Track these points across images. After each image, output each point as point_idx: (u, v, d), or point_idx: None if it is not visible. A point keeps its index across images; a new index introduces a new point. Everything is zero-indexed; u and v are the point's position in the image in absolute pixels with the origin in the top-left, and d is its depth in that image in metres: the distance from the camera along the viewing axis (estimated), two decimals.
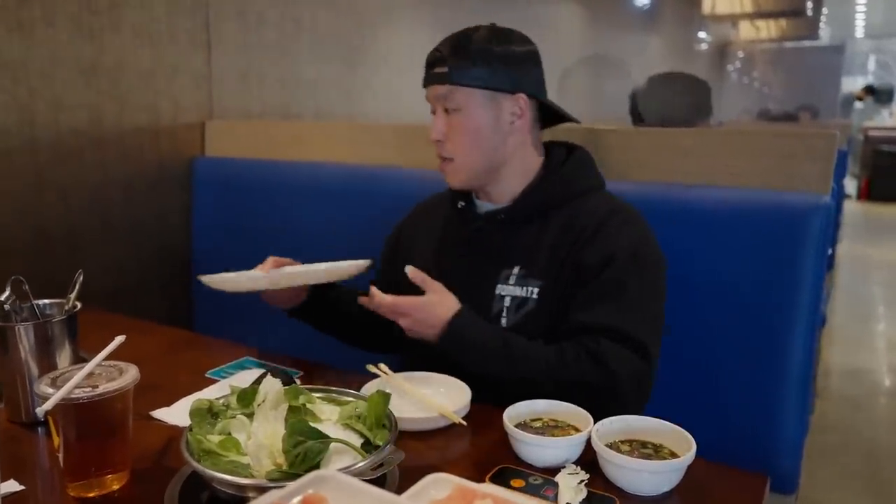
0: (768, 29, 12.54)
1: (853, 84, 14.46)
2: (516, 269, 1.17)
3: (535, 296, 1.14)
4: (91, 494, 0.81)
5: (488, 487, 0.59)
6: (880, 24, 14.70)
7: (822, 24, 12.99)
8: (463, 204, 1.26)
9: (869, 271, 5.68)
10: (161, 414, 1.03)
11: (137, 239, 1.92)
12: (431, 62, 1.18)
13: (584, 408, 0.93)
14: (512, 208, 1.20)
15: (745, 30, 12.55)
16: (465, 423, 0.98)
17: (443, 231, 1.30)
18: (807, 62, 14.15)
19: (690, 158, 1.39)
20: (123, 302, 1.84)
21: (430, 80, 1.19)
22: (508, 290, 1.16)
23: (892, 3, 13.86)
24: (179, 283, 2.04)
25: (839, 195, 3.61)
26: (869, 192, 9.91)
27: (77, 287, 1.01)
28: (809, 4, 9.89)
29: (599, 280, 1.10)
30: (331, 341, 1.37)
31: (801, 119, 6.77)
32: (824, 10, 12.05)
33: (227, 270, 1.19)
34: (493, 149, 1.18)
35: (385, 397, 0.85)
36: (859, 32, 15.52)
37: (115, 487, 0.83)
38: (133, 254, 1.91)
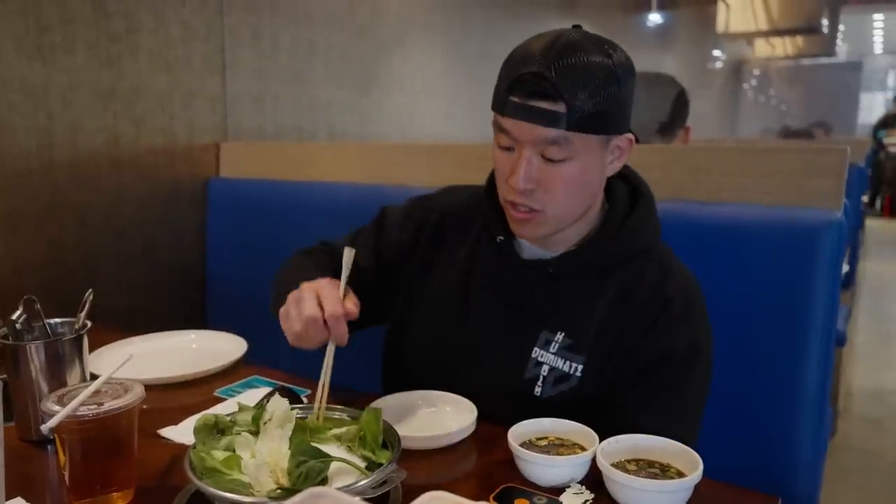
0: (784, 46, 12.53)
1: (871, 100, 14.34)
2: (560, 337, 1.02)
3: (578, 373, 1.01)
4: None
5: None
6: None
7: (839, 41, 12.95)
8: (502, 239, 1.06)
9: (893, 289, 5.58)
10: (168, 432, 1.03)
11: (151, 259, 1.95)
12: (534, 90, 0.89)
13: None
14: (565, 262, 1.03)
15: (761, 48, 12.55)
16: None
17: (472, 254, 1.11)
18: (824, 79, 14.10)
19: (702, 175, 1.38)
20: (136, 321, 1.86)
21: (528, 114, 0.90)
22: (549, 360, 1.02)
23: None
24: (191, 302, 2.06)
25: (856, 211, 3.57)
26: (893, 209, 9.79)
27: (87, 306, 1.02)
28: (825, 21, 9.86)
29: (657, 377, 0.99)
30: (342, 361, 1.37)
31: (816, 136, 6.72)
32: (841, 27, 12.03)
33: (238, 289, 1.19)
34: (592, 196, 1.01)
35: (376, 414, 0.85)
36: (878, 48, 15.43)
37: None
38: (146, 273, 1.94)
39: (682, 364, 1.00)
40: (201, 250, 2.08)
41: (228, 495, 0.74)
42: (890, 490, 2.48)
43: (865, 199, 5.09)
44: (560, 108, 0.89)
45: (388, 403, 1.06)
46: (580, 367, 1.01)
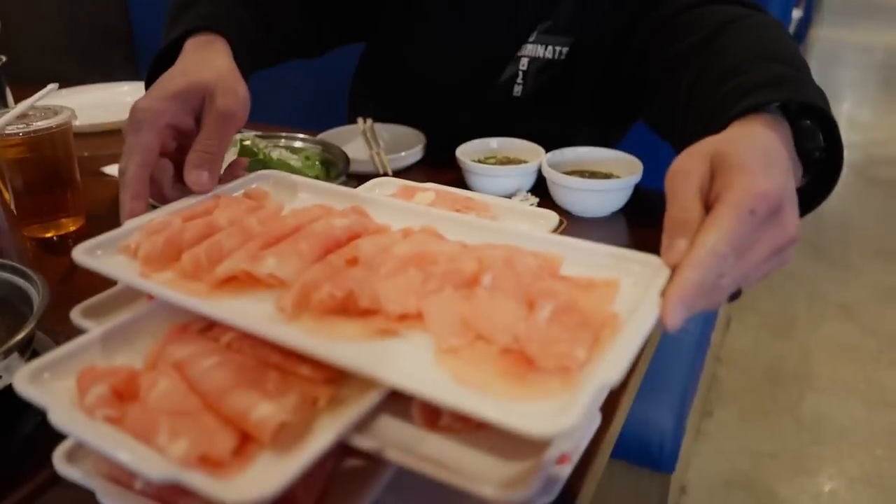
0: None
1: None
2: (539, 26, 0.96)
3: (562, 57, 0.95)
4: (48, 234, 0.82)
5: (430, 185, 0.60)
6: None
7: None
8: None
9: (841, 54, 5.60)
10: (112, 169, 1.01)
11: (70, 19, 1.77)
12: None
13: None
14: None
15: None
16: (390, 173, 0.94)
17: None
18: None
19: None
20: (63, 83, 1.74)
21: None
22: (527, 51, 0.96)
23: None
24: (121, 61, 1.93)
25: None
26: None
27: None
28: None
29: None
30: (296, 105, 1.30)
31: None
32: None
33: None
34: None
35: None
36: None
37: (72, 229, 0.83)
38: (68, 34, 1.78)
39: None
40: (123, 4, 1.90)
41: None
42: (811, 234, 2.71)
43: None
44: None
45: (336, 134, 1.05)
46: (565, 51, 0.95)
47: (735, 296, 0.46)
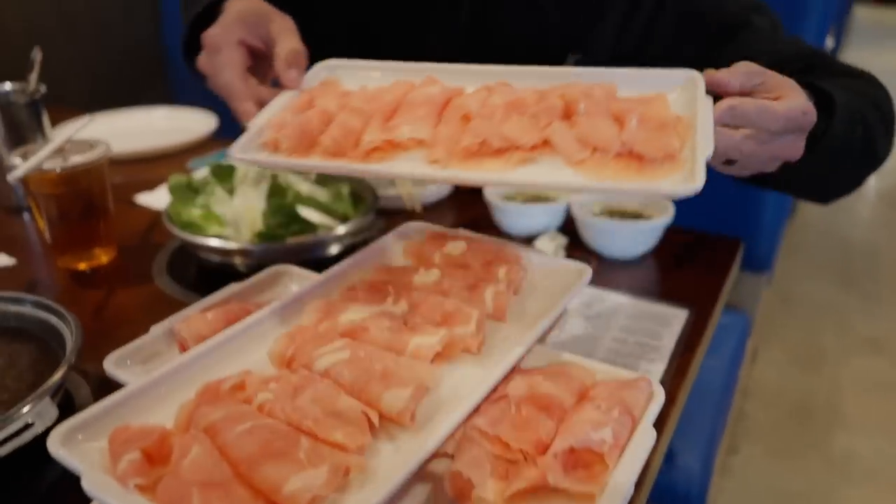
0: None
1: None
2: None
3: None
4: (81, 266, 0.83)
5: (461, 231, 0.59)
6: None
7: None
8: None
9: None
10: (144, 199, 1.03)
11: (104, 38, 1.81)
12: None
13: (884, 141, 0.75)
14: None
15: None
16: (419, 209, 0.96)
17: None
18: None
19: None
20: (97, 105, 1.78)
21: None
22: None
23: None
24: (154, 82, 1.96)
25: None
26: None
27: (37, 66, 0.95)
28: None
29: (751, 24, 0.84)
30: None
31: None
32: None
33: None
34: None
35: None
36: None
37: (104, 260, 0.84)
38: (101, 54, 1.81)
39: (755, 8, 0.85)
40: (157, 26, 1.94)
41: (213, 242, 0.75)
42: (840, 264, 2.66)
43: None
44: None
45: None
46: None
47: (730, 162, 0.58)
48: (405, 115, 0.56)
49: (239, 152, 0.54)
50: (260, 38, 0.66)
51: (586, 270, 0.54)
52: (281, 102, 0.62)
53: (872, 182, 3.48)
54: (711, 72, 0.57)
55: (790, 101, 0.55)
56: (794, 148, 0.57)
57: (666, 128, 0.52)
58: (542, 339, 0.48)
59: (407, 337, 0.45)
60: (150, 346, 0.51)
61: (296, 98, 0.62)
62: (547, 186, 0.52)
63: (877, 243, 2.82)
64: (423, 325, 0.46)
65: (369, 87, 0.62)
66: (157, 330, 0.52)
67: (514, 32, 0.93)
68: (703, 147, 0.49)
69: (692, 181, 0.45)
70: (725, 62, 0.61)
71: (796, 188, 0.78)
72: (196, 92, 1.19)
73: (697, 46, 0.83)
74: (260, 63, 0.67)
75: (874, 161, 0.76)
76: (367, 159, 0.53)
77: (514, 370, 0.45)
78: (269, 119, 0.58)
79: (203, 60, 0.66)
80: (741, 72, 0.56)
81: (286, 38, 0.65)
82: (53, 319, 0.62)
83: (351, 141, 0.54)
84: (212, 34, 0.65)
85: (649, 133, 0.51)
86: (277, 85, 0.65)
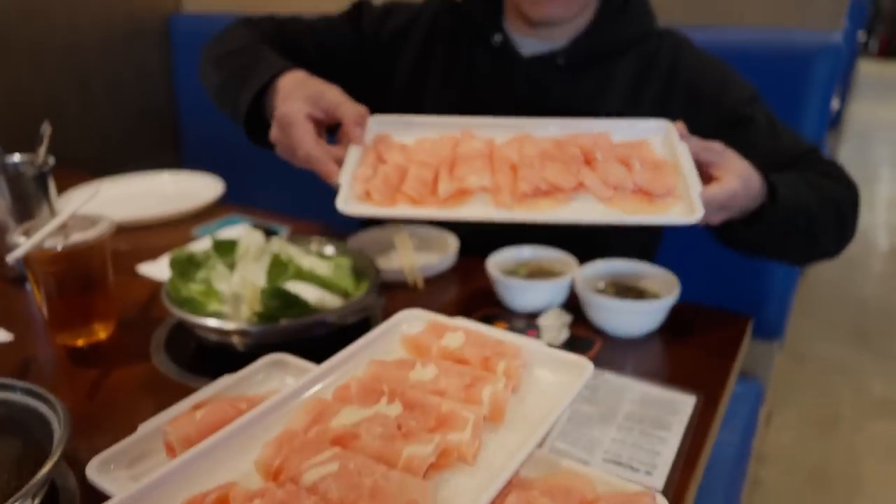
0: None
1: None
2: None
3: None
4: (79, 342, 0.82)
5: (460, 321, 0.58)
6: None
7: None
8: (500, 39, 1.00)
9: (877, 132, 5.55)
10: (146, 269, 1.02)
11: (116, 101, 1.85)
12: None
13: (833, 236, 0.88)
14: (577, 48, 0.98)
15: None
16: (420, 285, 0.95)
17: (468, 69, 1.03)
18: None
19: None
20: (108, 169, 1.80)
21: None
22: None
23: None
24: (164, 145, 1.99)
25: (851, 45, 3.43)
26: (889, 48, 9.40)
27: (46, 139, 0.96)
28: None
29: (753, 120, 0.94)
30: (326, 200, 1.33)
31: None
32: None
33: (213, 128, 1.12)
34: None
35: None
36: None
37: (102, 336, 0.83)
38: (113, 117, 1.85)
39: (753, 101, 0.96)
40: (169, 90, 1.98)
41: (209, 322, 0.74)
42: (854, 322, 2.61)
43: (862, 37, 4.89)
44: None
45: (367, 238, 1.05)
46: None
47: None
48: (466, 167, 0.73)
49: (344, 205, 0.69)
50: (321, 109, 0.79)
51: (587, 367, 0.52)
52: (354, 158, 0.76)
53: (884, 237, 3.45)
54: (681, 125, 0.76)
55: (723, 183, 0.72)
56: (714, 217, 0.75)
57: (661, 168, 0.69)
58: (540, 444, 0.47)
59: (400, 445, 0.43)
60: (135, 447, 0.49)
61: (363, 152, 0.78)
62: (593, 221, 0.66)
63: (890, 300, 2.78)
64: (417, 432, 0.45)
65: (425, 139, 0.80)
66: (144, 428, 0.51)
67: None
68: (694, 184, 0.66)
69: (694, 212, 0.65)
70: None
71: (758, 252, 0.90)
72: (207, 156, 1.21)
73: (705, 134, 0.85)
74: (318, 127, 0.81)
75: (817, 250, 0.89)
76: (444, 205, 0.69)
77: (510, 482, 0.43)
78: (352, 174, 0.73)
79: (276, 134, 0.80)
80: (703, 144, 0.75)
81: (347, 104, 0.79)
82: (43, 408, 0.60)
83: (427, 190, 0.71)
84: (283, 113, 0.78)
85: (651, 173, 0.69)
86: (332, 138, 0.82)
